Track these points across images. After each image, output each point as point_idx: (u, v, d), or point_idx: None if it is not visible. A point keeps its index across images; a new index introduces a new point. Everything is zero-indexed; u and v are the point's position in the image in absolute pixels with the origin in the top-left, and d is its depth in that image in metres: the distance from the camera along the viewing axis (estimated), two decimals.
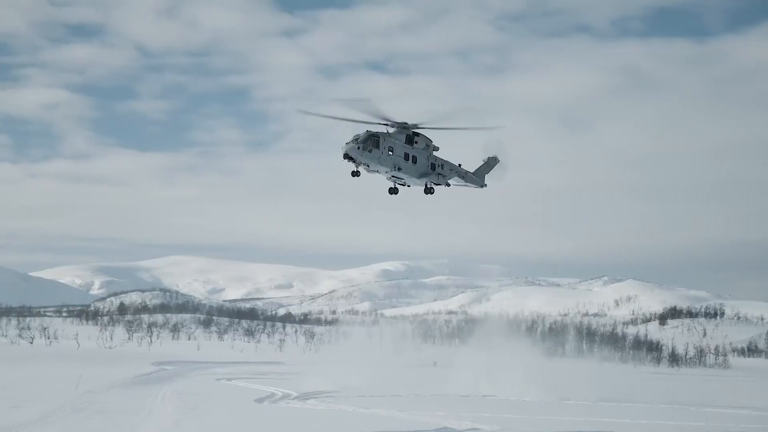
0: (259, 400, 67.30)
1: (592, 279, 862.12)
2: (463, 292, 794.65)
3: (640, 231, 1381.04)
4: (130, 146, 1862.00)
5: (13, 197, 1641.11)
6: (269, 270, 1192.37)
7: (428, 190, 56.44)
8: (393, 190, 56.63)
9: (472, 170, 59.63)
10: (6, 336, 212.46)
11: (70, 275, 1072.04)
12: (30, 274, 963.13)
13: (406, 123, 54.07)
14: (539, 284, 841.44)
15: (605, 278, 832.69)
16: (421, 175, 55.17)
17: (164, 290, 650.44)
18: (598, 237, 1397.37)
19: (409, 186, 56.48)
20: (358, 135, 52.49)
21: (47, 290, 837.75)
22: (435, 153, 56.59)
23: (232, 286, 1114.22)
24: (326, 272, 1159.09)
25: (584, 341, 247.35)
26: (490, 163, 60.19)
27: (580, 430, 50.74)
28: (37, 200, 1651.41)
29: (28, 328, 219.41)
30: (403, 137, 54.10)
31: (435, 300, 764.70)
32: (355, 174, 52.73)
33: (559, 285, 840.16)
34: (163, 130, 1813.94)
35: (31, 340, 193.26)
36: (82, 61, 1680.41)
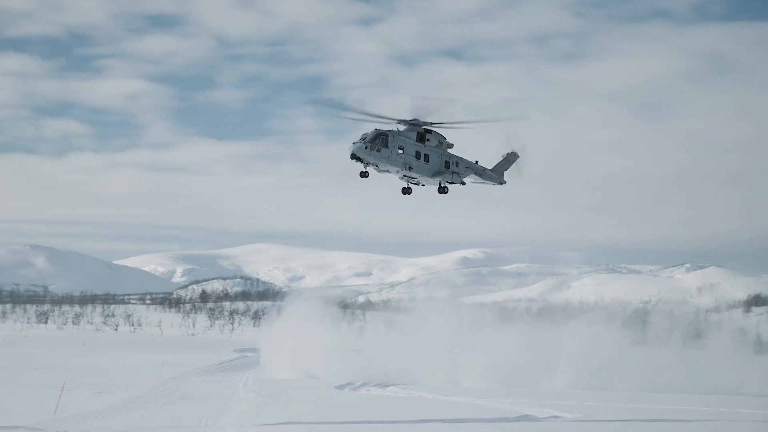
0: (340, 387, 67.42)
1: (674, 266, 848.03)
2: (542, 280, 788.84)
3: (723, 217, 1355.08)
4: (210, 135, 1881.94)
5: (95, 187, 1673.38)
6: (348, 258, 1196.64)
7: (442, 190, 54.60)
8: (406, 190, 55.01)
9: (490, 167, 57.62)
10: (92, 323, 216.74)
11: (152, 263, 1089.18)
12: (114, 262, 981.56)
13: (416, 120, 52.50)
14: (620, 271, 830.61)
15: (687, 265, 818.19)
16: (434, 174, 53.54)
17: (245, 278, 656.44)
18: (680, 224, 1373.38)
19: (423, 185, 54.85)
20: (366, 134, 51.13)
21: (131, 278, 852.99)
22: (450, 150, 54.78)
23: (312, 274, 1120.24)
24: (405, 260, 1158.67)
25: (667, 329, 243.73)
26: (510, 158, 58.29)
27: (665, 419, 49.71)
28: (119, 189, 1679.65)
29: (113, 316, 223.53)
30: (414, 135, 52.56)
31: (514, 287, 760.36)
32: (364, 175, 51.08)
33: (640, 272, 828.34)
34: (242, 119, 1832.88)
35: (115, 327, 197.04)
36: (161, 52, 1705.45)
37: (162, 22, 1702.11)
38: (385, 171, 52.04)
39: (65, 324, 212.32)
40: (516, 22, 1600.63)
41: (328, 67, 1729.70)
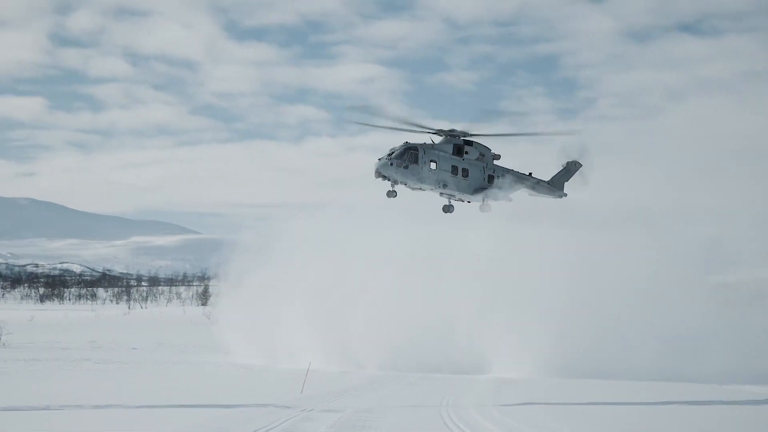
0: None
1: None
2: None
3: None
4: (442, 117, 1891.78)
5: (331, 170, 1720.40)
6: None
7: (484, 207, 49.71)
8: (447, 208, 49.89)
9: (546, 178, 52.67)
10: None
11: None
12: None
13: (454, 130, 47.72)
14: None
15: None
16: (475, 191, 48.59)
17: None
18: None
19: (469, 202, 49.90)
20: (393, 148, 46.31)
21: None
22: (496, 162, 49.75)
23: None
24: None
25: None
26: (570, 168, 53.10)
27: None
28: (353, 172, 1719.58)
29: None
30: (450, 147, 47.65)
31: None
32: (392, 194, 46.28)
33: None
34: (473, 101, 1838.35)
35: None
36: (393, 36, 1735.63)
37: (393, 7, 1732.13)
38: (418, 189, 47.53)
39: None
40: None
41: (559, 46, 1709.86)
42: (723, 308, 65.52)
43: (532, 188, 52.15)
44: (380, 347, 65.38)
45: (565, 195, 53.71)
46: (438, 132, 47.77)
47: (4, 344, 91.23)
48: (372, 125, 47.39)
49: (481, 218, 52.44)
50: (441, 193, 48.60)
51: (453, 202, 49.97)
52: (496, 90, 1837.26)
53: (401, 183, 46.27)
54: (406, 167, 45.78)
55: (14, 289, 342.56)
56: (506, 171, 50.36)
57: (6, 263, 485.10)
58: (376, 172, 46.18)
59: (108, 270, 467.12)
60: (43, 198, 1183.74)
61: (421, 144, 46.94)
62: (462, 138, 48.48)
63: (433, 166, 46.63)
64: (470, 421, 34.26)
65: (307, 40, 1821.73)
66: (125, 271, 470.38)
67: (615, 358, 59.85)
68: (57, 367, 65.28)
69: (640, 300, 63.65)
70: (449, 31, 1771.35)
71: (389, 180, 46.19)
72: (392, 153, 46.27)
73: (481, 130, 48.46)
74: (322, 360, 65.92)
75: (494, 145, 50.20)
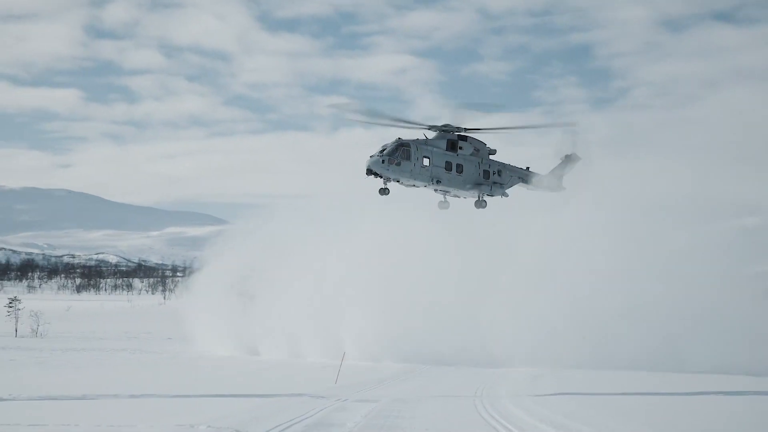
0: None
1: None
2: None
3: None
4: (476, 108, 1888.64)
5: (364, 159, 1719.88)
6: None
7: (479, 203, 47.99)
8: (444, 204, 48.80)
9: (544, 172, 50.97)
10: None
11: None
12: None
13: (448, 125, 46.19)
14: None
15: None
16: (470, 186, 47.15)
17: None
18: None
19: (465, 198, 48.47)
20: (385, 145, 44.79)
21: None
22: (492, 157, 48.39)
23: None
24: None
25: None
26: (568, 161, 51.34)
27: None
28: None
29: None
30: (443, 143, 46.24)
31: None
32: (384, 192, 44.69)
33: None
34: (507, 91, 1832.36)
35: None
36: (426, 27, 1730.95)
37: None
38: (411, 186, 46.19)
39: None
40: None
41: (593, 36, 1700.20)
42: (763, 299, 64.73)
43: (530, 183, 50.85)
44: (398, 340, 64.64)
45: (564, 189, 52.39)
46: (432, 127, 46.45)
47: (41, 334, 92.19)
48: (367, 122, 46.03)
49: (504, 206, 51.74)
50: (435, 190, 47.39)
51: (448, 198, 48.96)
52: (530, 80, 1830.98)
53: (394, 180, 44.93)
54: (398, 164, 44.51)
55: (51, 279, 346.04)
56: (502, 166, 49.14)
57: (43, 254, 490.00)
58: (367, 169, 44.67)
59: (143, 261, 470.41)
60: (79, 189, 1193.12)
61: (413, 140, 45.61)
62: (456, 133, 47.17)
63: (426, 162, 45.42)
64: (504, 411, 34.26)
65: (339, 31, 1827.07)
66: (160, 262, 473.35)
67: (653, 349, 59.34)
68: (93, 357, 65.95)
69: (676, 290, 62.96)
70: (483, 21, 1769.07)
71: (381, 177, 44.73)
72: (384, 149, 44.83)
73: (475, 125, 47.05)
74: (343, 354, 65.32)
75: (490, 140, 49.00)
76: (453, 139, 46.99)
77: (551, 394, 41.54)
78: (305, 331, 69.04)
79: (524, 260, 65.27)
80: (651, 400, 40.23)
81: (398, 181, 45.22)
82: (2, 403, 34.69)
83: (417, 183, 45.89)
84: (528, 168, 50.99)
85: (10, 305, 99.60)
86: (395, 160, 44.38)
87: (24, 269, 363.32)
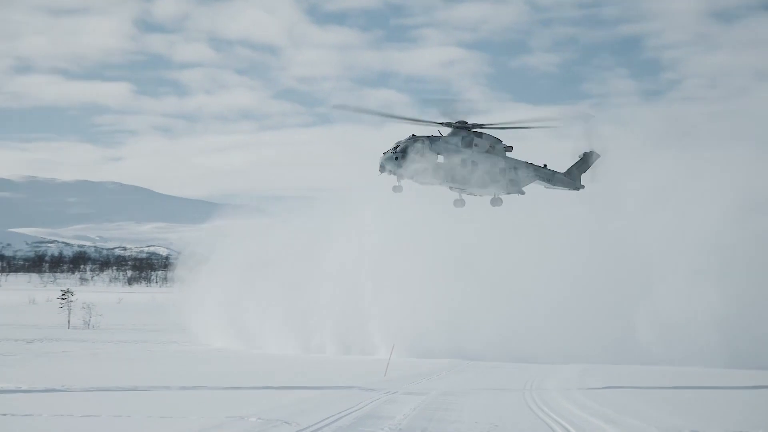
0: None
1: None
2: None
3: None
4: (524, 100, 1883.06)
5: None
6: None
7: (495, 201, 47.16)
8: (459, 202, 47.81)
9: (562, 170, 50.08)
10: None
11: None
12: None
13: (463, 122, 44.92)
14: None
15: None
16: (484, 184, 46.14)
17: None
18: None
19: (480, 195, 47.62)
20: (399, 142, 43.96)
21: None
22: (508, 154, 47.18)
23: None
24: None
25: None
26: (587, 159, 50.52)
27: None
28: None
29: None
30: (458, 140, 45.08)
31: None
32: (397, 189, 44.03)
33: None
34: (555, 83, 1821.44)
35: None
36: (475, 19, 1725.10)
37: None
38: (426, 183, 45.46)
39: None
40: None
41: (643, 27, 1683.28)
42: None
43: (547, 180, 49.89)
44: (431, 335, 61.96)
45: (583, 187, 51.26)
46: (447, 124, 45.56)
47: (93, 326, 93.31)
48: (381, 115, 44.66)
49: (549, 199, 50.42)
50: (450, 188, 46.59)
51: (463, 196, 48.03)
52: (579, 72, 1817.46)
53: (407, 178, 44.29)
54: (412, 161, 43.74)
55: (103, 272, 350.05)
56: (518, 163, 48.04)
57: (95, 246, 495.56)
58: (380, 166, 44.23)
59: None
60: (130, 182, 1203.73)
61: (428, 136, 44.79)
62: (471, 129, 46.13)
63: (440, 159, 44.42)
64: (553, 404, 34.10)
65: (388, 23, 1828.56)
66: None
67: (705, 345, 58.41)
68: (144, 349, 66.58)
69: (732, 288, 61.72)
70: (531, 12, 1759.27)
71: (394, 175, 44.14)
72: (397, 146, 44.17)
73: (491, 121, 46.20)
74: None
75: (506, 136, 47.96)
76: (468, 135, 45.77)
77: (601, 388, 41.28)
78: (350, 326, 66.39)
79: (568, 254, 63.64)
80: (706, 395, 39.85)
81: (412, 179, 44.57)
82: (56, 394, 35.14)
83: (431, 181, 45.16)
84: (545, 165, 49.89)
85: (63, 297, 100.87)
86: (408, 158, 43.54)
87: (76, 262, 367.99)
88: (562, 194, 54.32)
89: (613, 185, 59.06)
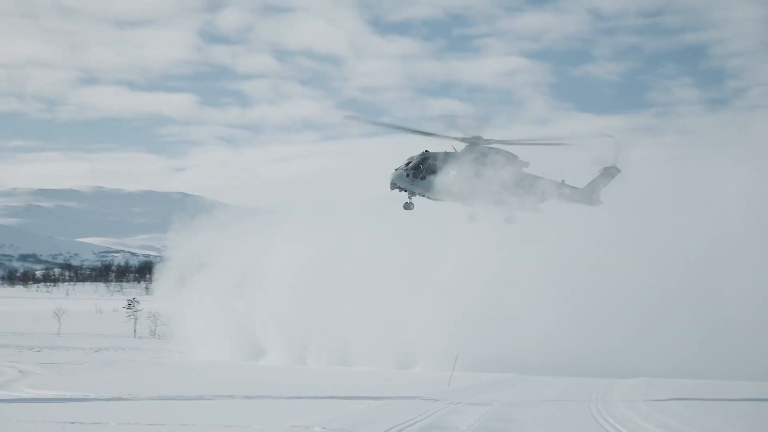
0: None
1: None
2: None
3: None
4: (587, 110, 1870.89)
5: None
6: None
7: (509, 219, 45.73)
8: (473, 219, 46.26)
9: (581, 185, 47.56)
10: None
11: None
12: None
13: (478, 137, 43.31)
14: None
15: None
16: (498, 201, 44.68)
17: None
18: None
19: (496, 212, 46.03)
20: (411, 158, 42.80)
21: None
22: (525, 170, 45.27)
23: None
24: None
25: None
26: (608, 174, 47.97)
27: None
28: None
29: None
30: (471, 156, 43.59)
31: None
32: (409, 206, 42.74)
33: None
34: (619, 93, 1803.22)
35: None
36: (537, 28, 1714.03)
37: (537, 0, 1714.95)
38: (438, 200, 44.04)
39: None
40: None
41: (707, 36, 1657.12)
42: None
43: (564, 197, 48.07)
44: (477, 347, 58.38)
45: (601, 203, 49.02)
46: (462, 139, 44.24)
47: (159, 335, 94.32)
48: (394, 128, 44.15)
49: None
50: (463, 204, 45.40)
51: (478, 213, 46.73)
52: (643, 81, 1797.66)
53: (419, 194, 43.19)
54: (423, 178, 42.76)
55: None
56: (535, 179, 46.48)
57: (160, 256, 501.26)
58: (391, 183, 43.24)
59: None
60: (195, 192, 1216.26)
61: (440, 152, 43.77)
62: (486, 145, 44.82)
63: (453, 175, 43.38)
64: (619, 416, 33.70)
65: (450, 33, 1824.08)
66: None
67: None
68: (208, 358, 67.07)
69: None
70: (594, 22, 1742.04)
71: (406, 191, 43.22)
72: (409, 163, 43.19)
73: (507, 137, 44.88)
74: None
75: (523, 152, 46.56)
76: (483, 151, 44.48)
77: (667, 400, 40.73)
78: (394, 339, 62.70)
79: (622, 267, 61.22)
80: None
81: (424, 195, 43.42)
82: (122, 403, 35.56)
83: (443, 197, 43.99)
84: (563, 181, 48.16)
85: (129, 306, 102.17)
86: (420, 174, 42.72)
87: (142, 271, 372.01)
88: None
89: (672, 194, 57.54)
